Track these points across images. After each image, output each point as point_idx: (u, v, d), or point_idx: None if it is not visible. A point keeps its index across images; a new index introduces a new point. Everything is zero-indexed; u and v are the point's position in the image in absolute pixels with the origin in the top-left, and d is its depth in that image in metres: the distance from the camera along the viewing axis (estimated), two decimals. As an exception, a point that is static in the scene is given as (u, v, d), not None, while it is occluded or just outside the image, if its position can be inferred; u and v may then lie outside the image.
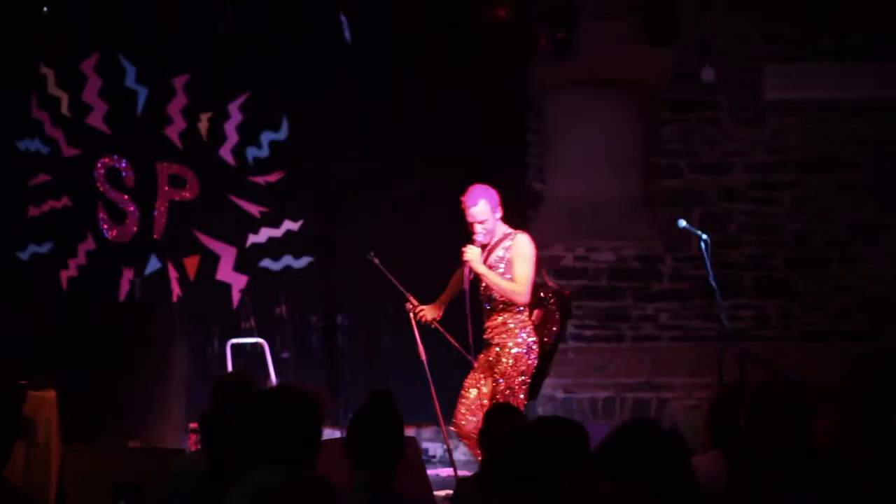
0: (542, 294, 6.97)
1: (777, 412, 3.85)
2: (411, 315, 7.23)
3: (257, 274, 8.95)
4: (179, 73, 8.88)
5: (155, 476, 4.60)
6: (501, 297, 6.82)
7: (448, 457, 8.12)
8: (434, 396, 7.19)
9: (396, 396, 4.49)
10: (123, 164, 8.86)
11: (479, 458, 6.00)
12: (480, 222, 6.82)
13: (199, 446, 5.76)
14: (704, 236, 7.53)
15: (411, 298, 7.28)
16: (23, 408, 3.61)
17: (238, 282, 8.93)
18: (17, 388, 3.60)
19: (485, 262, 6.84)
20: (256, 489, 2.36)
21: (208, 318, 8.79)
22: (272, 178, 9.00)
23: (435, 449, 8.79)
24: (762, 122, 9.61)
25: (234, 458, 2.99)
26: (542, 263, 7.08)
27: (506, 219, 6.80)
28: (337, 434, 8.50)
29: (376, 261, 7.38)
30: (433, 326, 7.22)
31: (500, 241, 6.91)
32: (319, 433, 3.14)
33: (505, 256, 6.87)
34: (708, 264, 7.44)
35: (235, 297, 8.90)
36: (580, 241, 9.61)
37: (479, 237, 6.84)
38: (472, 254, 6.81)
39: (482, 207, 6.82)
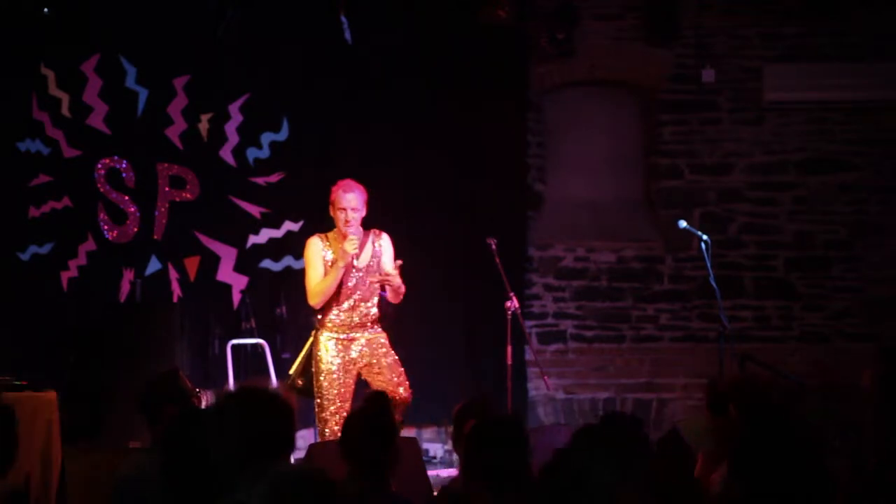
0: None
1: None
2: (508, 315, 7.21)
3: (258, 274, 8.95)
4: (180, 73, 8.88)
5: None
6: (394, 290, 6.84)
7: (448, 457, 8.13)
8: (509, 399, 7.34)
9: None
10: (124, 165, 8.86)
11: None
12: (355, 209, 6.83)
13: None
14: (705, 237, 7.54)
15: (514, 298, 7.26)
16: None
17: (238, 282, 8.93)
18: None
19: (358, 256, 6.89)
20: (277, 482, 2.32)
21: (209, 318, 8.77)
22: (273, 178, 9.01)
23: (435, 449, 8.78)
24: (762, 122, 9.61)
25: (209, 458, 2.98)
26: None
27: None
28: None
29: (494, 247, 7.34)
30: None
31: (366, 238, 6.95)
32: (294, 431, 3.17)
33: (378, 252, 6.93)
34: (708, 265, 7.46)
35: (236, 297, 8.89)
36: (580, 242, 9.61)
37: (353, 225, 6.80)
38: (355, 245, 6.80)
39: (359, 196, 6.85)
